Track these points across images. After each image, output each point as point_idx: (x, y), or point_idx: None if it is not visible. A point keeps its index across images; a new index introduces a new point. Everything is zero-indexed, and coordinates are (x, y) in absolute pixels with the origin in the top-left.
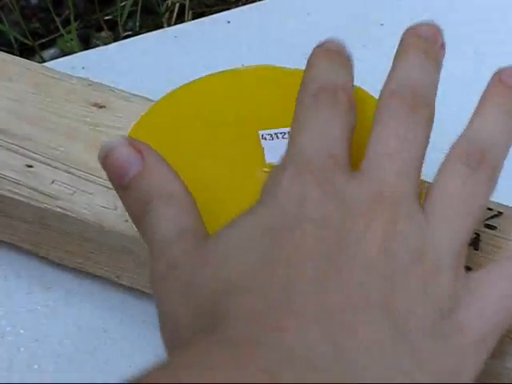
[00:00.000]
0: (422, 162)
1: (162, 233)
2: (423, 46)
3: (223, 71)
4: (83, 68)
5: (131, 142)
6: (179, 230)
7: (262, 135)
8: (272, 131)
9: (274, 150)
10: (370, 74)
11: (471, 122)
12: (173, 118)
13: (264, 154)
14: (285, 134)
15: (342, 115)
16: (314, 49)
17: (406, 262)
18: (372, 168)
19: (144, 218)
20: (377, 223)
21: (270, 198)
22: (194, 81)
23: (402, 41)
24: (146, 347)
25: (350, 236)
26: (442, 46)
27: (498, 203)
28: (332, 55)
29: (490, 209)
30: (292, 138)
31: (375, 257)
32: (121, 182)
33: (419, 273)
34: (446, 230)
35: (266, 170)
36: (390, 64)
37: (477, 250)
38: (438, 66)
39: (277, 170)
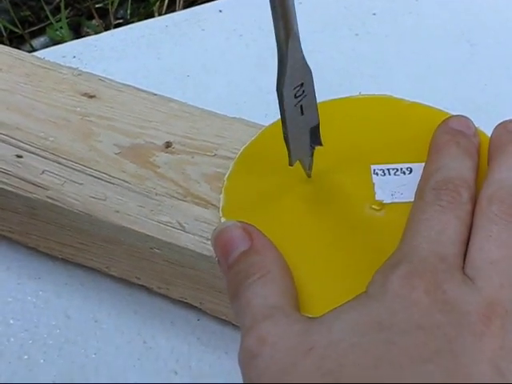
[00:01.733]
0: None
1: (254, 309)
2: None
3: (339, 98)
4: (74, 57)
5: (243, 225)
6: (271, 306)
7: (374, 170)
8: (384, 166)
9: (385, 187)
10: (363, 63)
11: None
12: (278, 148)
13: (374, 190)
14: (397, 170)
15: (460, 215)
16: (440, 129)
17: None
18: (478, 276)
19: (240, 294)
20: (487, 338)
21: (378, 293)
22: None
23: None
24: (136, 338)
25: (461, 348)
26: None
27: None
28: (459, 139)
29: None
30: (406, 235)
31: (487, 375)
32: (228, 259)
33: None
34: None
35: (374, 207)
36: (383, 53)
37: None
38: None
39: (388, 265)
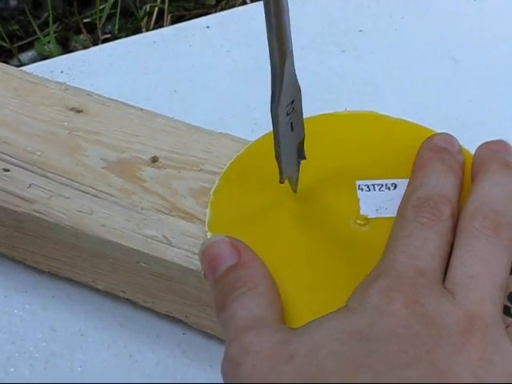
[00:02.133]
0: (506, 283)
1: (239, 320)
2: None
3: (325, 114)
4: (62, 72)
5: (231, 240)
6: (255, 318)
7: (359, 185)
8: (369, 182)
9: (370, 202)
10: (349, 79)
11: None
12: (264, 163)
13: (359, 205)
14: (382, 186)
15: (440, 231)
16: (424, 145)
17: None
18: (459, 291)
19: (226, 306)
20: (468, 349)
21: (358, 306)
22: None
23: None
24: (122, 351)
25: (441, 357)
26: None
27: None
28: (443, 156)
29: None
30: (386, 251)
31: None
32: (215, 273)
33: None
34: None
35: (359, 222)
36: (369, 69)
37: None
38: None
39: (367, 280)
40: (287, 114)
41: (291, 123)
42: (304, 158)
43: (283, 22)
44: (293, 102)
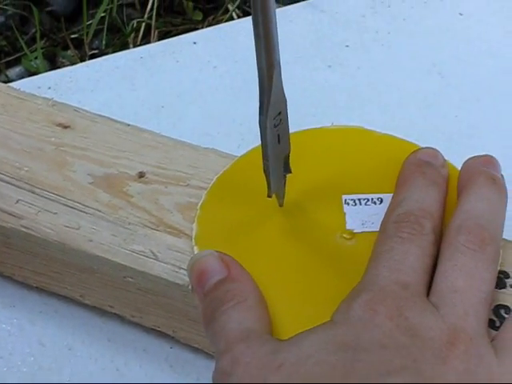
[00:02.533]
0: (490, 297)
1: (229, 333)
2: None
3: (312, 129)
4: (49, 88)
5: (220, 254)
6: (245, 330)
7: (345, 200)
8: (355, 196)
9: (356, 216)
10: (336, 94)
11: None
12: (250, 178)
13: (345, 220)
14: (368, 200)
15: (422, 245)
16: (408, 160)
17: None
18: (443, 304)
19: (215, 319)
20: (452, 361)
21: (343, 319)
22: None
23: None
24: (109, 365)
25: (426, 367)
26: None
27: None
28: (425, 170)
29: None
30: (368, 266)
31: None
32: (203, 286)
33: None
34: None
35: (345, 236)
36: (355, 84)
37: None
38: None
39: (351, 295)
40: (275, 126)
41: (278, 135)
42: (290, 172)
43: (271, 32)
44: (280, 113)
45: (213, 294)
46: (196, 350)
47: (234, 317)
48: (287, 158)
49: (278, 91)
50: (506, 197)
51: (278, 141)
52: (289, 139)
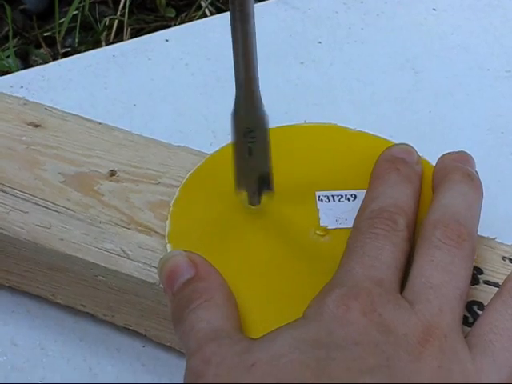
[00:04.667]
0: (466, 294)
1: (198, 333)
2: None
3: (284, 126)
4: (22, 87)
5: (188, 253)
6: (214, 329)
7: (319, 196)
8: (329, 193)
9: (329, 213)
10: (308, 91)
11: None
12: (223, 175)
13: (319, 216)
14: (341, 196)
15: (396, 241)
16: (382, 156)
17: None
18: (418, 301)
19: (183, 318)
20: (425, 358)
21: (315, 315)
22: None
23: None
24: (82, 364)
25: (400, 365)
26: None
27: None
28: (399, 166)
29: None
30: (341, 262)
31: None
32: (173, 286)
33: None
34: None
35: (319, 233)
36: (328, 81)
37: None
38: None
39: (323, 291)
40: (244, 135)
41: (249, 147)
42: (272, 190)
43: (250, 49)
44: (252, 131)
45: (181, 293)
46: (168, 349)
47: (202, 316)
48: (267, 176)
49: (253, 105)
50: (482, 193)
51: (250, 152)
52: (268, 159)
